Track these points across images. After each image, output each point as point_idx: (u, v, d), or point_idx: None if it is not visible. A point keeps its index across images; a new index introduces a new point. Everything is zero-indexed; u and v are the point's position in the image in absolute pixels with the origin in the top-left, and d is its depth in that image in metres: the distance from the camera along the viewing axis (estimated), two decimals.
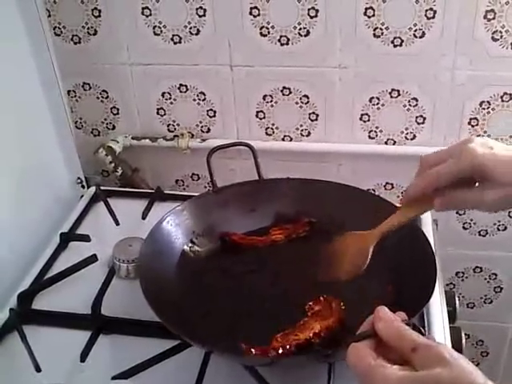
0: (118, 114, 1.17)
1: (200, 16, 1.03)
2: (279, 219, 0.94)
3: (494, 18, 0.97)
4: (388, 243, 0.77)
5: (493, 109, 1.06)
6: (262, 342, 0.71)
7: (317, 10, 1.00)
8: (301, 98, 1.09)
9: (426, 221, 0.97)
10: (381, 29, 1.00)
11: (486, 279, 1.28)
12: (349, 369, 0.49)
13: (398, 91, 1.06)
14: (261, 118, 1.13)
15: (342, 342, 0.51)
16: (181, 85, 1.11)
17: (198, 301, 0.81)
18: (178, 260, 0.86)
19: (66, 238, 1.00)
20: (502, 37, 0.98)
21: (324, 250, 0.77)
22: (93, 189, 1.13)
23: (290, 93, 1.09)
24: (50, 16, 1.07)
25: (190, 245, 0.89)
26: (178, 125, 1.16)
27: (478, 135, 1.08)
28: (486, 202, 0.61)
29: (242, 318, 0.78)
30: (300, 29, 1.02)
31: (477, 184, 0.62)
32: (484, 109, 1.06)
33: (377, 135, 1.12)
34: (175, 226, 0.88)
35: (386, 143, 1.12)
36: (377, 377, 0.46)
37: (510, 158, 0.60)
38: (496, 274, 1.27)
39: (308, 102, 1.09)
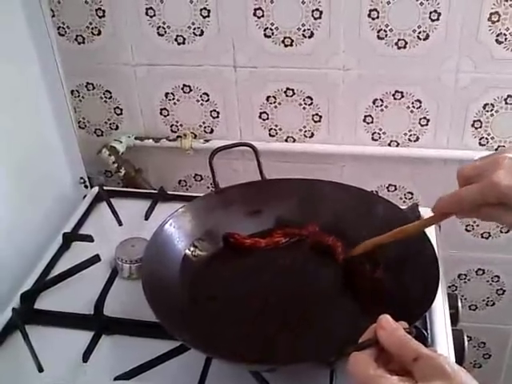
0: (121, 114, 1.17)
1: (204, 17, 1.03)
2: (282, 220, 0.93)
3: (498, 21, 0.96)
4: (391, 245, 0.77)
5: (496, 111, 1.05)
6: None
7: (321, 12, 1.00)
8: (304, 100, 1.09)
9: None
10: (385, 31, 1.00)
11: (488, 281, 1.28)
12: (349, 377, 0.49)
13: (402, 93, 1.06)
14: (264, 119, 1.13)
15: (344, 349, 0.51)
16: (184, 85, 1.11)
17: (200, 305, 0.80)
18: (180, 263, 0.85)
19: (69, 238, 1.00)
20: (506, 39, 0.98)
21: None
22: (96, 189, 1.13)
23: (294, 94, 1.09)
24: (54, 16, 1.07)
25: (192, 249, 0.88)
26: (181, 125, 1.16)
27: (481, 138, 1.08)
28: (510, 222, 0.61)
29: (244, 322, 0.77)
30: (304, 30, 1.02)
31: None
32: (488, 111, 1.06)
33: (380, 137, 1.11)
34: (178, 228, 0.87)
35: (389, 145, 1.12)
36: None
37: None
38: (498, 277, 1.27)
39: (311, 103, 1.09)
